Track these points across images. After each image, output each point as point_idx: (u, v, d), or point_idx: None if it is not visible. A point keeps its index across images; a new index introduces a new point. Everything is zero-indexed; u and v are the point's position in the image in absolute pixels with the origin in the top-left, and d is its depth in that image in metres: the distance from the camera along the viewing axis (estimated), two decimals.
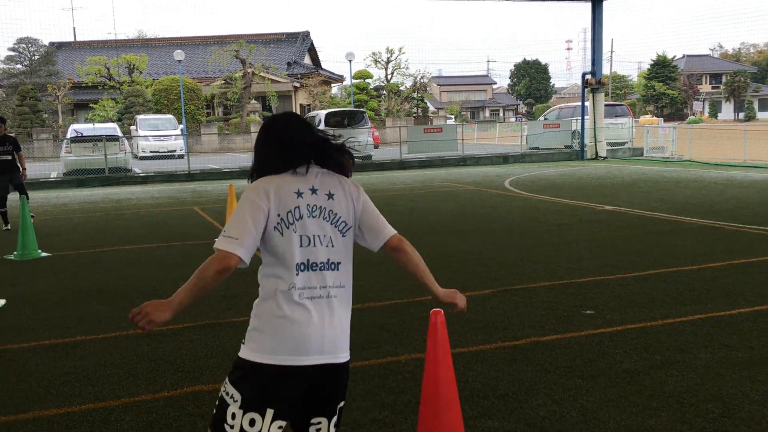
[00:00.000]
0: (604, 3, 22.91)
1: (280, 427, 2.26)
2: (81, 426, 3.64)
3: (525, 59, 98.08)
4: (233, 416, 2.27)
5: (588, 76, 22.94)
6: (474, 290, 6.18)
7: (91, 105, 41.04)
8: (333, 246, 2.34)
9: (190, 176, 20.62)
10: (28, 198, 10.60)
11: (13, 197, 11.21)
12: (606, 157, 23.06)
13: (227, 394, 2.32)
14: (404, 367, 4.33)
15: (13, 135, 11.88)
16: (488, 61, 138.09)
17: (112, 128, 22.97)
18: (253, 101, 42.75)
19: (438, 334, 2.92)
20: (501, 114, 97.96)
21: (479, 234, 9.22)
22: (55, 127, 38.46)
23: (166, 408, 3.83)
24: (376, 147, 25.84)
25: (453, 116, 65.01)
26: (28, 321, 5.66)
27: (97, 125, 24.95)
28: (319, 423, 2.34)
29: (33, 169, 18.22)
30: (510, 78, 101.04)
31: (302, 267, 2.28)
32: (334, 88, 55.74)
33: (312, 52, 56.76)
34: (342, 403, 2.40)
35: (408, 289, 6.31)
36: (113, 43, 54.85)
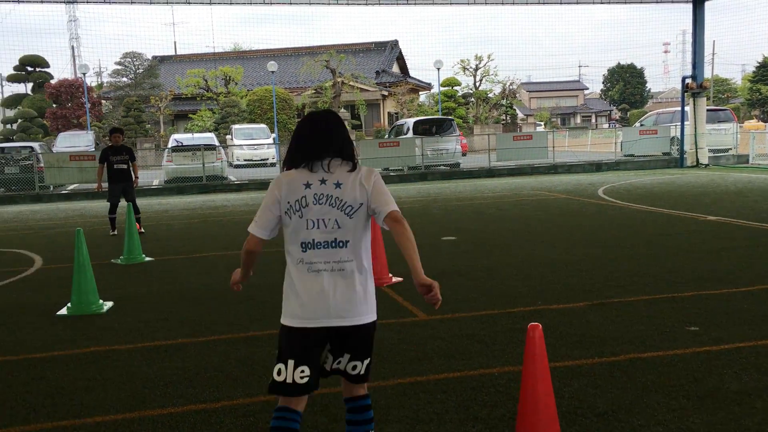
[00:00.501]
0: (706, 3, 21.93)
1: (302, 371, 2.81)
2: (183, 426, 3.77)
3: (619, 63, 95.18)
4: (277, 370, 2.91)
5: (688, 80, 21.99)
6: (568, 302, 6.02)
7: (189, 115, 42.81)
8: (339, 227, 2.81)
9: None
10: (138, 210, 11.16)
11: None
12: (708, 165, 22.02)
13: (278, 351, 2.94)
14: (497, 380, 4.26)
15: (128, 146, 12.52)
16: (580, 66, 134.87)
17: (210, 138, 23.86)
18: (342, 110, 43.43)
19: (536, 348, 2.85)
20: (593, 120, 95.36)
21: (572, 244, 8.99)
22: (157, 137, 40.33)
23: (263, 412, 3.92)
24: (463, 155, 25.68)
25: (542, 123, 63.78)
26: (133, 323, 5.93)
27: (196, 135, 25.97)
28: (342, 361, 2.93)
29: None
30: (603, 83, 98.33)
31: (309, 245, 2.81)
32: (422, 96, 55.88)
33: (400, 60, 57.16)
34: (362, 361, 2.93)
35: (498, 299, 6.22)
36: (211, 56, 57.08)
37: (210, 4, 21.18)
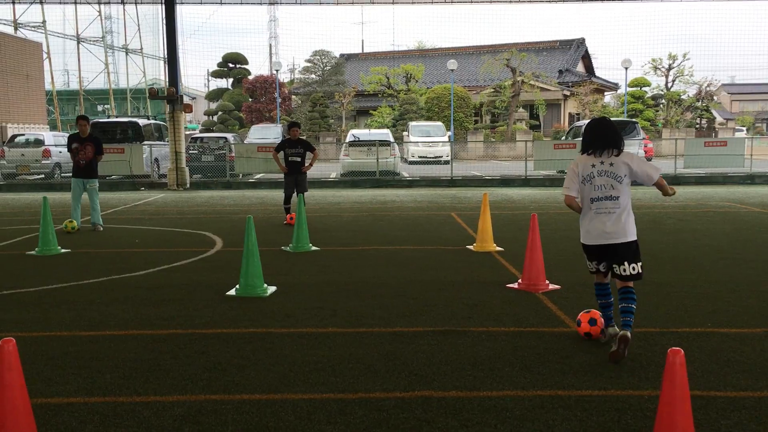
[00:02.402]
0: None
1: (597, 263, 4.98)
2: (320, 413, 3.90)
3: None
4: (587, 265, 5.10)
5: None
6: (741, 327, 5.47)
7: (370, 111, 44.27)
8: (614, 188, 4.81)
9: (452, 182, 21.20)
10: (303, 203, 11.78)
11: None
12: None
13: (584, 255, 5.11)
14: (646, 403, 3.96)
15: (305, 138, 13.19)
16: None
17: (385, 134, 24.50)
18: (521, 109, 42.71)
19: (676, 376, 2.61)
20: None
21: (759, 264, 8.14)
22: (338, 132, 42.17)
23: (396, 409, 3.95)
24: (648, 159, 24.21)
25: (745, 128, 58.42)
26: (291, 308, 6.24)
27: (373, 131, 26.78)
28: (618, 266, 4.84)
29: (316, 169, 20.09)
30: None
31: (595, 199, 4.86)
32: (607, 97, 53.42)
33: (586, 59, 55.05)
34: (628, 262, 4.83)
35: (662, 317, 5.79)
36: (394, 54, 58.62)
37: (393, 3, 21.73)
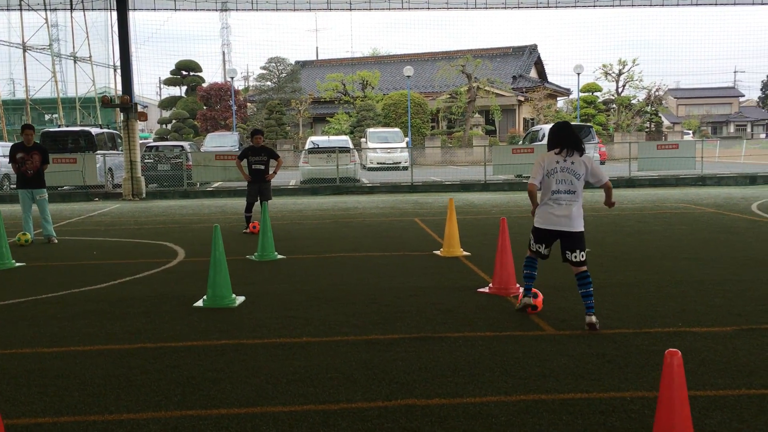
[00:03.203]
0: None
1: (544, 247, 5.76)
2: (302, 426, 3.79)
3: None
4: (531, 244, 5.82)
5: None
6: (713, 326, 5.55)
7: (327, 119, 44.15)
8: (572, 184, 5.51)
9: (412, 188, 21.23)
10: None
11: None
12: None
13: (531, 236, 5.80)
14: (629, 405, 3.96)
15: (269, 146, 13.03)
16: (735, 72, 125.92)
17: (345, 140, 24.41)
18: (477, 115, 43.11)
19: (674, 376, 2.60)
20: (749, 129, 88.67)
21: (719, 262, 8.31)
22: (296, 139, 41.91)
23: (380, 418, 3.87)
24: (602, 163, 24.66)
25: (691, 131, 60.09)
26: (262, 318, 6.11)
27: (332, 137, 26.67)
28: (570, 253, 5.56)
29: (275, 177, 19.90)
30: (761, 90, 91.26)
31: (555, 191, 5.54)
32: (560, 102, 54.34)
33: (538, 65, 55.95)
34: (579, 250, 5.57)
35: (633, 318, 5.84)
36: (350, 60, 58.58)
37: (350, 9, 21.70)
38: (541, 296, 6.03)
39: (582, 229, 5.59)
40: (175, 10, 20.06)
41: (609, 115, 44.01)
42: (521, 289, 6.10)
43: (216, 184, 23.00)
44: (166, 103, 51.24)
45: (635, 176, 21.69)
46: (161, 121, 48.98)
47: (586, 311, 5.55)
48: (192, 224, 13.73)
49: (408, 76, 38.82)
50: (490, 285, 7.10)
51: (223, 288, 6.69)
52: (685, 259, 8.63)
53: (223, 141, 33.05)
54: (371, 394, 4.23)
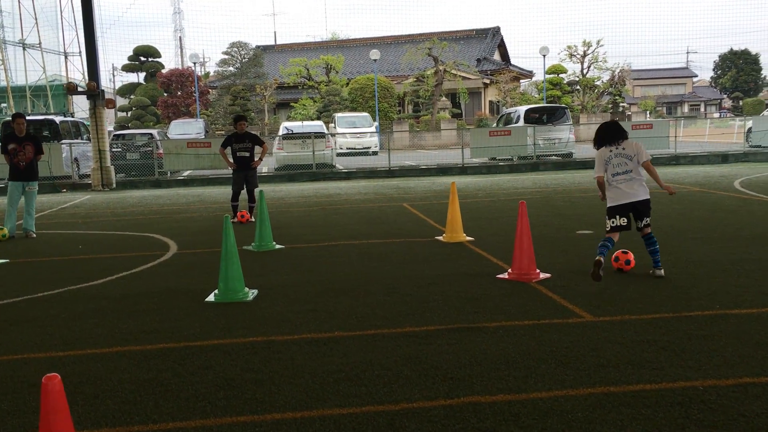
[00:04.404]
0: None
1: (620, 218, 6.50)
2: (367, 429, 3.54)
3: (732, 49, 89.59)
4: (608, 223, 6.62)
5: None
6: (750, 307, 5.45)
7: (291, 104, 43.46)
8: (626, 165, 6.46)
9: (390, 172, 20.98)
10: (254, 200, 11.29)
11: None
12: None
13: (607, 217, 6.64)
14: (704, 395, 3.79)
15: (254, 133, 12.62)
16: (688, 52, 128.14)
17: (319, 126, 24.02)
18: (443, 98, 42.96)
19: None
20: (702, 109, 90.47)
21: (727, 241, 8.27)
22: (261, 125, 41.19)
23: (448, 419, 3.64)
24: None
25: (647, 112, 60.96)
26: (283, 313, 5.81)
27: (306, 123, 26.22)
28: (639, 221, 6.54)
29: None
30: (713, 70, 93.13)
31: (615, 174, 6.49)
32: (524, 84, 54.57)
33: (501, 47, 56.03)
34: (646, 217, 6.55)
35: (667, 301, 5.71)
36: (312, 45, 57.85)
37: None
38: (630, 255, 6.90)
39: (648, 197, 6.53)
40: None
41: (573, 97, 44.30)
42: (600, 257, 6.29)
43: (186, 173, 22.39)
44: (125, 90, 49.89)
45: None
46: (121, 109, 47.66)
47: (654, 265, 6.66)
48: (174, 214, 13.27)
49: (374, 60, 38.45)
50: (510, 271, 6.91)
51: (236, 281, 6.36)
52: (691, 239, 8.58)
53: (189, 128, 32.28)
54: (430, 392, 3.99)
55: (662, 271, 6.60)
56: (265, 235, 8.99)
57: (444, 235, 9.26)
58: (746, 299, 5.69)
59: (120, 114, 47.50)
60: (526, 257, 6.77)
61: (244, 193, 11.76)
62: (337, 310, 5.83)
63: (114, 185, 19.63)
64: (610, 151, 6.54)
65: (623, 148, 6.52)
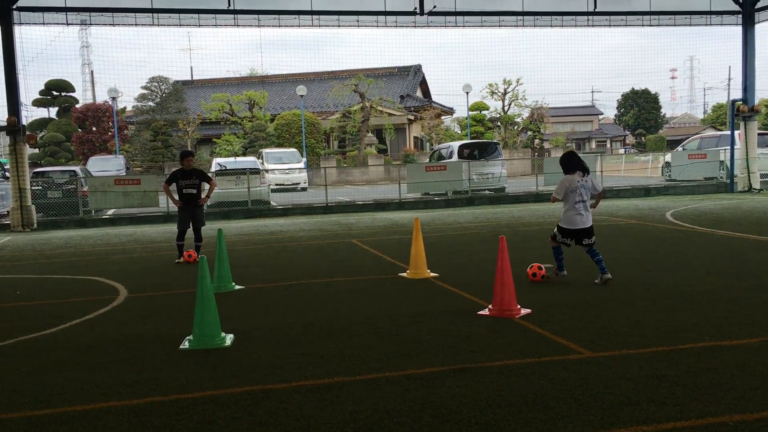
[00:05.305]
0: (757, 26, 21.63)
1: (571, 240, 8.01)
2: None
3: (633, 89, 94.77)
4: (558, 237, 8.15)
5: (739, 103, 21.61)
6: (740, 338, 5.54)
7: (213, 140, 42.64)
8: (585, 195, 7.88)
9: (327, 208, 20.75)
10: (200, 239, 10.87)
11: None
12: (761, 190, 21.54)
13: (557, 232, 8.15)
14: (735, 430, 3.78)
15: (201, 169, 12.16)
16: (593, 92, 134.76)
17: (253, 162, 23.56)
18: (370, 134, 43.23)
19: None
20: (608, 145, 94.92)
21: (687, 273, 8.50)
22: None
23: None
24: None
25: (559, 147, 63.35)
26: (270, 358, 5.48)
27: (239, 159, 25.68)
28: (587, 239, 7.94)
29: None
30: (617, 108, 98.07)
31: (576, 202, 7.83)
32: (446, 120, 55.70)
33: (423, 85, 57.12)
34: (591, 236, 7.97)
35: (656, 334, 5.73)
36: (233, 80, 57.23)
37: (215, 26, 20.92)
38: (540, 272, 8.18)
39: (592, 223, 7.99)
40: (67, 24, 18.55)
41: (495, 133, 45.49)
42: (554, 268, 8.32)
43: (110, 212, 21.42)
44: (35, 126, 47.62)
45: (542, 191, 22.34)
46: (33, 146, 45.38)
47: (601, 272, 7.86)
48: (110, 255, 12.57)
49: (301, 96, 38.37)
50: (490, 307, 6.82)
51: (213, 326, 5.99)
52: (649, 270, 8.77)
53: (108, 165, 31.08)
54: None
55: (609, 274, 7.85)
56: (224, 275, 8.60)
57: (408, 271, 9.12)
58: (731, 330, 5.79)
59: (30, 150, 45.26)
60: (507, 293, 6.70)
61: (190, 231, 11.27)
62: (328, 354, 5.56)
63: (35, 225, 18.53)
64: (578, 181, 7.79)
65: (586, 181, 7.86)
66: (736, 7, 21.96)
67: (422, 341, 5.83)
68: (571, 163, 7.97)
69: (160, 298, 8.30)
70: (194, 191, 11.14)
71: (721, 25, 22.22)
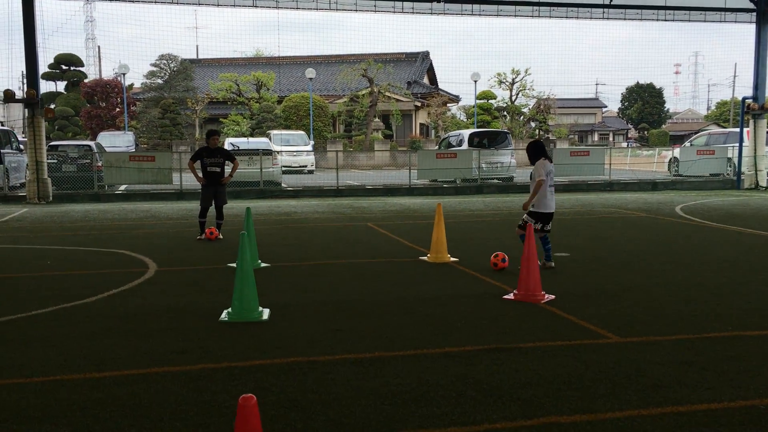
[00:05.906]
0: None
1: (543, 224, 8.34)
2: None
3: (638, 82, 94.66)
4: (534, 224, 8.19)
5: (749, 101, 21.77)
6: (762, 329, 5.77)
7: (220, 119, 42.72)
8: (553, 178, 8.46)
9: (338, 191, 20.94)
10: (221, 217, 11.06)
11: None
12: (767, 188, 21.75)
13: (530, 218, 8.34)
14: (732, 415, 4.00)
15: (225, 147, 12.32)
16: (597, 84, 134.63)
17: (265, 142, 23.70)
18: (377, 119, 43.33)
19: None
20: (611, 138, 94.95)
21: (701, 266, 8.71)
22: (191, 140, 40.25)
23: None
24: None
25: (562, 138, 63.43)
26: (309, 333, 5.70)
27: (251, 139, 25.81)
28: (548, 226, 8.38)
29: (186, 180, 18.99)
30: (621, 101, 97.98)
31: (550, 185, 8.29)
32: (452, 108, 55.74)
33: (430, 72, 57.09)
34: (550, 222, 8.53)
35: (680, 323, 5.95)
36: (241, 60, 57.15)
37: (218, 6, 21.00)
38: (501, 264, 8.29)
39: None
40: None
41: (501, 122, 45.61)
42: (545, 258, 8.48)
43: (122, 187, 21.59)
44: (45, 99, 47.61)
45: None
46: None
47: (546, 259, 8.40)
48: (131, 230, 12.77)
49: (310, 78, 38.43)
50: (515, 292, 7.04)
51: (252, 300, 6.21)
52: (667, 263, 8.97)
53: (118, 141, 31.22)
54: (505, 413, 4.02)
55: (552, 263, 8.44)
56: (252, 252, 8.80)
57: (428, 255, 9.33)
58: (753, 322, 6.01)
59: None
60: (533, 279, 6.92)
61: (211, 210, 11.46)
62: (364, 331, 5.78)
63: (51, 198, 18.71)
64: (551, 166, 8.34)
65: (553, 166, 8.47)
66: (751, 5, 22.06)
67: (454, 322, 6.05)
68: (538, 151, 8.41)
69: (189, 273, 8.52)
70: (218, 169, 11.32)
71: (735, 22, 22.33)
